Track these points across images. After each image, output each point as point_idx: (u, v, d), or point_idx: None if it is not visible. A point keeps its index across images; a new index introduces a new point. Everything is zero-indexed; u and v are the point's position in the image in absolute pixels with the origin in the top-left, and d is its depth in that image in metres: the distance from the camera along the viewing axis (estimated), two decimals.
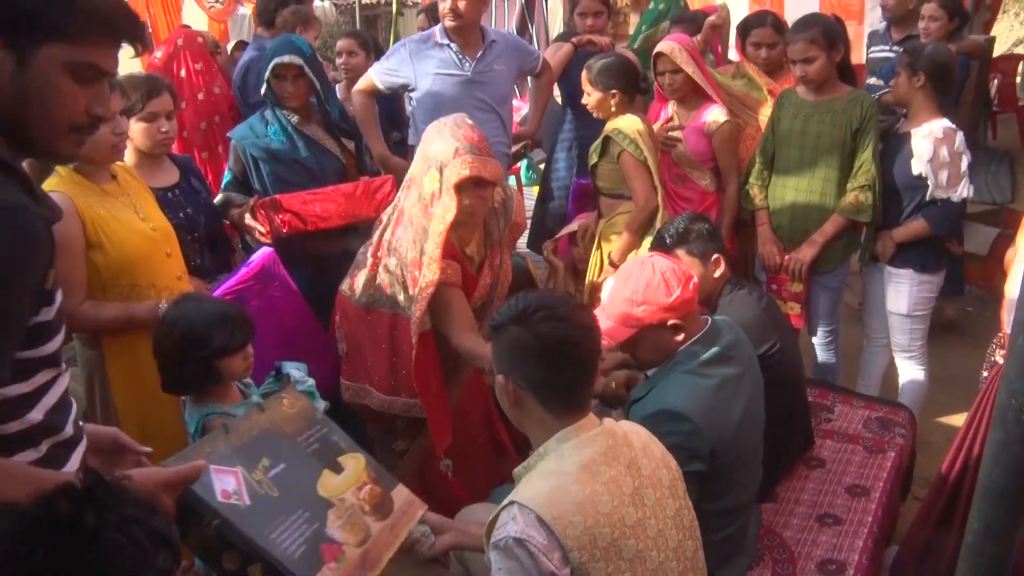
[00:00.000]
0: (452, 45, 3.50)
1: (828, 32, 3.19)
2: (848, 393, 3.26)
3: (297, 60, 3.12)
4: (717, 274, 2.59)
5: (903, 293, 3.29)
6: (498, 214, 2.81)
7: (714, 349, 2.06)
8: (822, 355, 3.59)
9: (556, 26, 8.28)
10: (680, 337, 2.08)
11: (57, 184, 2.28)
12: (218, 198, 3.15)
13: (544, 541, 1.46)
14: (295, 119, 3.23)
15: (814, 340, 3.58)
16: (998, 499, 0.95)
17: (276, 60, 3.12)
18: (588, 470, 1.53)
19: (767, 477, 2.52)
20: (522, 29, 8.03)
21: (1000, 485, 0.94)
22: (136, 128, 2.69)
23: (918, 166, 3.11)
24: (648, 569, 1.52)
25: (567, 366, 1.59)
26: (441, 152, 2.52)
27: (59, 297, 1.44)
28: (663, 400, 2.00)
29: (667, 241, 2.62)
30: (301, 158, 3.22)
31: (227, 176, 3.30)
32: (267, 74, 3.14)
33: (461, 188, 2.49)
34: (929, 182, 3.10)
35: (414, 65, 3.53)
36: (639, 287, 2.06)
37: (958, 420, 3.84)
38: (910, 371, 3.43)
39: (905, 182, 3.18)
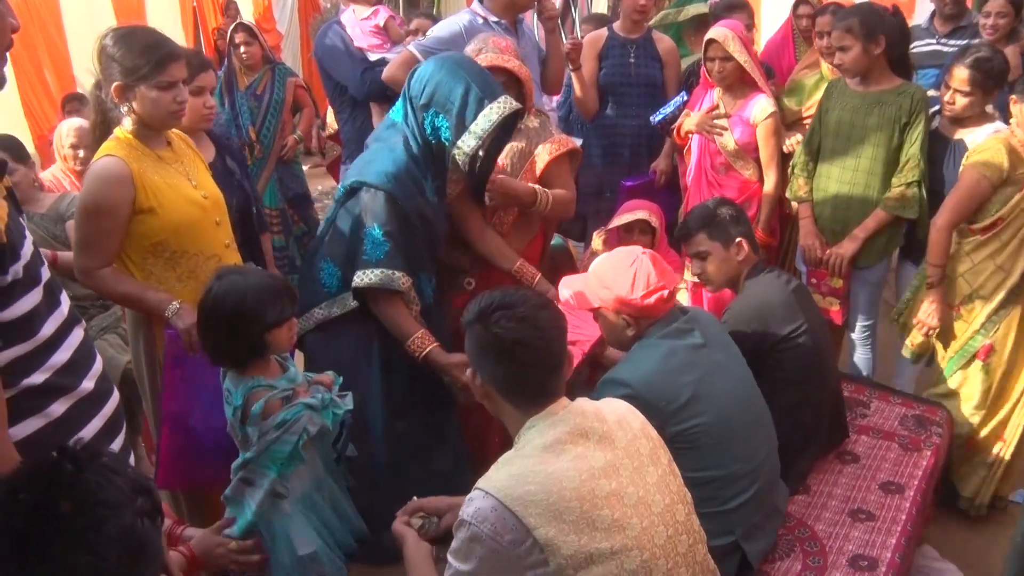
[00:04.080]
0: (502, 23, 3.41)
1: (866, 22, 3.13)
2: (885, 389, 3.21)
3: (518, 105, 2.49)
4: (740, 257, 2.60)
5: None
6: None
7: (669, 327, 2.14)
8: (859, 351, 3.55)
9: (599, 10, 8.21)
10: (631, 333, 2.17)
11: (115, 148, 2.31)
12: (373, 277, 2.43)
13: (498, 525, 1.50)
14: (456, 175, 2.60)
15: (852, 335, 3.54)
16: None
17: (500, 108, 2.39)
18: (551, 450, 1.58)
19: (796, 463, 2.51)
20: (564, 13, 7.96)
21: None
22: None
23: None
24: (630, 536, 1.54)
25: (524, 366, 1.63)
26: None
27: (25, 253, 1.46)
28: (612, 373, 2.12)
29: (690, 226, 2.63)
30: (444, 231, 2.68)
31: (380, 239, 2.42)
32: (486, 126, 2.39)
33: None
34: None
35: (472, 44, 3.35)
36: (610, 271, 2.16)
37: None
38: None
39: None
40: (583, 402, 1.70)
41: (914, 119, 3.14)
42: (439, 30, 3.43)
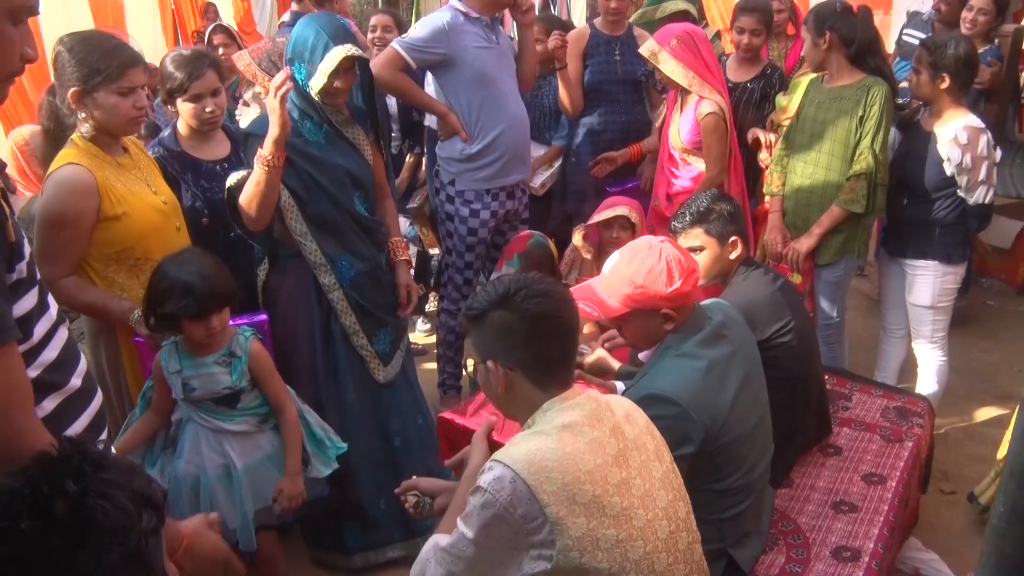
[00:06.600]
0: (483, 18, 3.38)
1: (817, 17, 3.23)
2: (866, 382, 3.23)
3: (359, 53, 2.64)
4: (733, 256, 2.60)
5: (926, 285, 3.26)
6: None
7: (703, 331, 2.07)
8: (825, 349, 3.54)
9: (578, 10, 8.23)
10: (669, 327, 2.08)
11: (76, 156, 2.27)
12: (233, 180, 2.61)
13: (513, 497, 1.50)
14: (339, 118, 2.75)
15: (818, 334, 3.54)
16: None
17: (341, 51, 2.57)
18: (570, 430, 1.57)
19: (781, 458, 2.52)
20: (543, 11, 7.97)
21: None
22: (183, 108, 2.71)
23: (949, 169, 3.09)
24: (635, 527, 1.55)
25: (553, 339, 1.65)
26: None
27: (26, 252, 1.45)
28: (651, 384, 2.01)
29: (687, 219, 2.62)
30: (342, 165, 2.75)
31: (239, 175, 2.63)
32: (329, 65, 2.58)
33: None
34: (959, 181, 3.09)
35: (454, 41, 3.29)
36: (640, 270, 2.04)
37: (976, 413, 3.83)
38: (931, 361, 3.41)
39: (933, 183, 3.15)
40: (595, 391, 1.71)
41: (870, 112, 3.15)
42: (421, 28, 3.35)
